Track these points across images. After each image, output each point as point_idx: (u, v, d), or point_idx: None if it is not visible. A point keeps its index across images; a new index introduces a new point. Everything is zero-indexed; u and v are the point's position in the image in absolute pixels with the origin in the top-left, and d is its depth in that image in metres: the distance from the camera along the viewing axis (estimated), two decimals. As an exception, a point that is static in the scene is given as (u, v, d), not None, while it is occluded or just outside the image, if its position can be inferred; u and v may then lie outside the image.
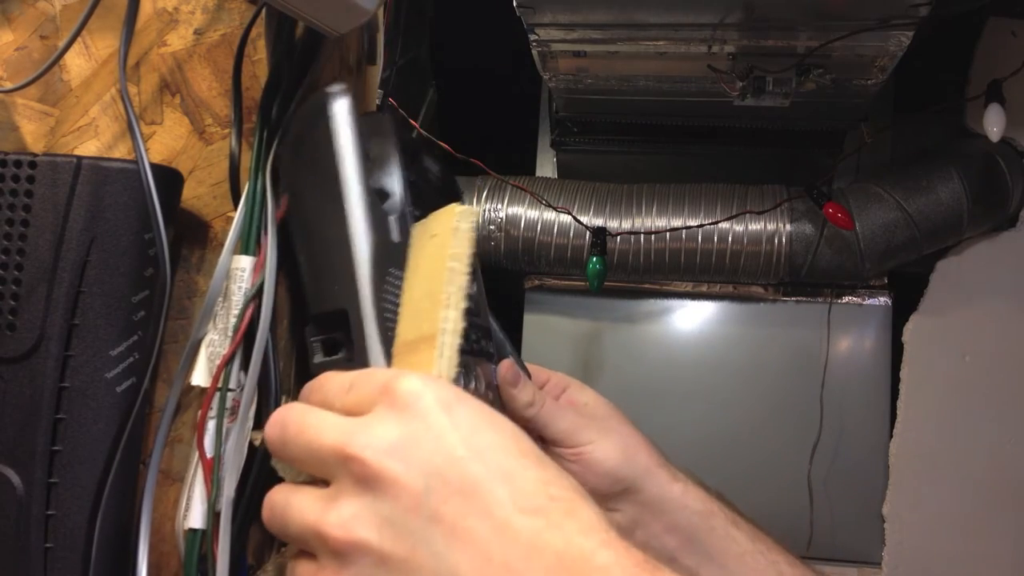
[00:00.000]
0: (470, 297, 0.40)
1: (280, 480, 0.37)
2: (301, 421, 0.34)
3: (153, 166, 0.47)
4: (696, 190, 0.89)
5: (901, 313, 0.92)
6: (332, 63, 0.56)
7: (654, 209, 0.88)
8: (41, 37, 0.55)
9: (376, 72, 0.63)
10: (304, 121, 0.46)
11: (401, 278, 0.43)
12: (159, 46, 0.54)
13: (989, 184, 0.84)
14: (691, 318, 0.96)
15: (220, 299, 0.49)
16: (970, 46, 0.88)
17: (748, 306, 0.95)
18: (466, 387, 0.40)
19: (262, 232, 0.49)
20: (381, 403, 0.33)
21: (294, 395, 0.49)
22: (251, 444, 0.49)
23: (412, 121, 0.78)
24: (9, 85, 0.53)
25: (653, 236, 0.87)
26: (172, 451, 0.50)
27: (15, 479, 0.45)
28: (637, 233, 0.88)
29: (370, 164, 0.44)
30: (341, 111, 0.44)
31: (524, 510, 0.30)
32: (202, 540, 0.47)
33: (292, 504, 0.33)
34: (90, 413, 0.46)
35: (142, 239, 0.48)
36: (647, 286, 0.96)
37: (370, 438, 0.31)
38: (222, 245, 0.49)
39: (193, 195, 0.53)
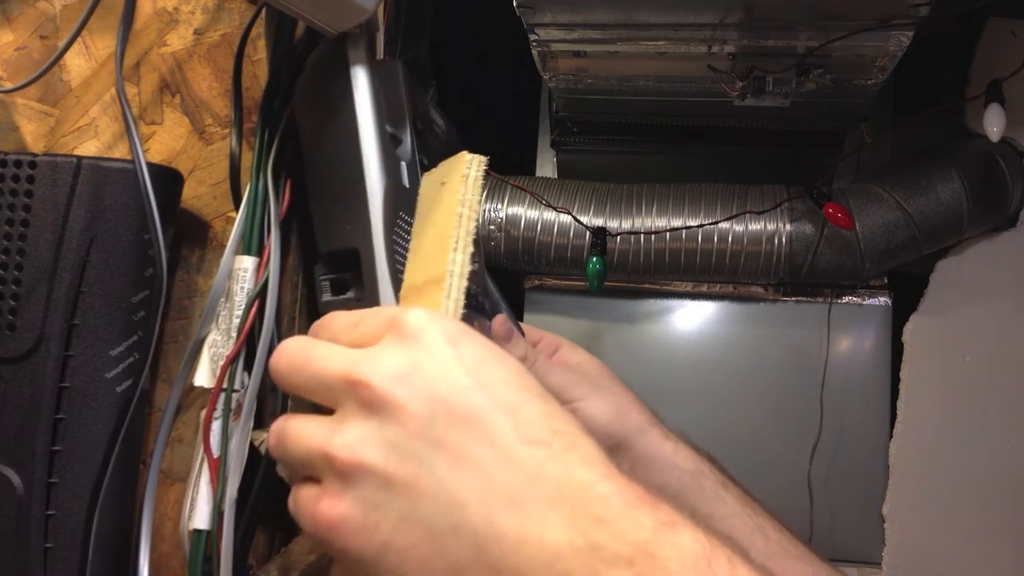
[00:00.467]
0: (475, 242, 0.40)
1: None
2: (309, 351, 0.34)
3: (152, 166, 0.47)
4: (696, 190, 0.89)
5: (901, 313, 0.92)
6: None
7: (654, 209, 0.88)
8: (41, 37, 0.55)
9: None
10: (321, 63, 0.46)
11: (410, 223, 0.43)
12: (159, 46, 0.54)
13: (989, 184, 0.84)
14: (691, 318, 0.96)
15: (222, 299, 0.49)
16: (970, 46, 0.88)
17: (748, 306, 0.95)
18: None
19: (265, 232, 0.49)
20: (388, 334, 0.33)
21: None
22: (252, 445, 0.49)
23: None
24: (9, 85, 0.53)
25: (653, 236, 0.87)
26: (172, 451, 0.50)
27: (15, 479, 0.45)
28: (637, 233, 0.88)
29: (384, 108, 0.44)
30: (358, 52, 0.44)
31: (526, 440, 0.31)
32: (207, 540, 0.47)
33: (298, 429, 0.33)
34: (90, 413, 0.46)
35: (142, 239, 0.48)
36: (647, 286, 0.95)
37: (377, 365, 0.32)
38: (222, 245, 0.49)
39: (193, 195, 0.53)
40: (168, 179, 0.50)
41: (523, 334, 0.52)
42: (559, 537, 0.28)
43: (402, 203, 0.43)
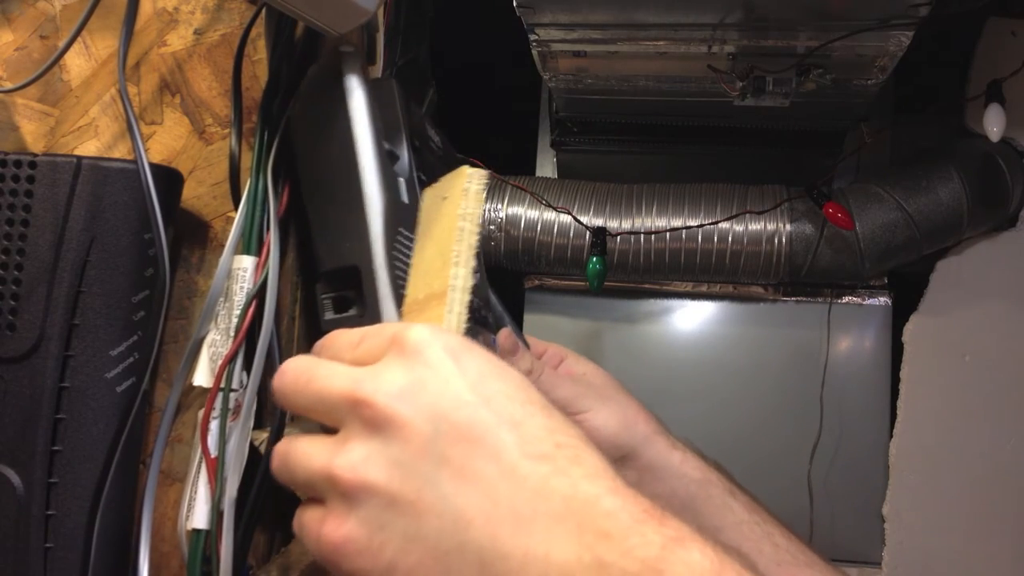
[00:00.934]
0: (476, 256, 0.40)
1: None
2: (311, 370, 0.34)
3: (153, 166, 0.47)
4: (696, 190, 0.89)
5: (901, 313, 0.92)
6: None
7: (654, 209, 0.88)
8: (41, 37, 0.55)
9: (376, 72, 0.63)
10: (317, 80, 0.46)
11: (410, 238, 0.43)
12: (159, 46, 0.54)
13: (989, 184, 0.84)
14: (691, 318, 0.96)
15: (221, 299, 0.49)
16: (970, 46, 0.88)
17: (748, 306, 0.95)
18: None
19: (264, 231, 0.49)
20: (390, 352, 0.33)
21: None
22: (252, 444, 0.49)
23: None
24: (9, 85, 0.53)
25: (653, 236, 0.87)
26: (172, 451, 0.50)
27: (15, 479, 0.45)
28: (637, 233, 0.88)
29: (380, 126, 0.44)
30: (354, 71, 0.44)
31: (530, 456, 0.30)
32: (206, 540, 0.47)
33: (301, 450, 0.33)
34: (90, 413, 0.46)
35: (142, 239, 0.48)
36: (647, 286, 0.96)
37: (379, 383, 0.32)
38: (222, 245, 0.49)
39: (193, 195, 0.53)
40: (169, 179, 0.50)
41: (528, 347, 0.52)
42: (566, 554, 0.28)
43: (401, 219, 0.43)
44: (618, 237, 0.88)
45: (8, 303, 0.46)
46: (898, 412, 0.90)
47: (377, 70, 0.62)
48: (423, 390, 0.31)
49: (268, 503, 0.48)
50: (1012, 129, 0.80)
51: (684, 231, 0.87)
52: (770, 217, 0.86)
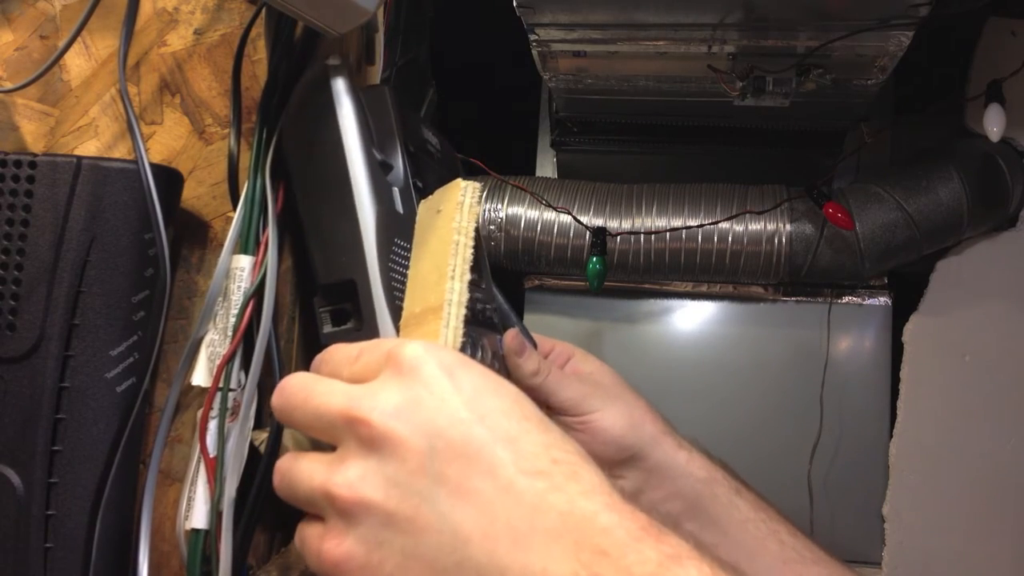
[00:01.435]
0: (475, 269, 0.40)
1: None
2: (308, 388, 0.35)
3: (153, 166, 0.47)
4: (696, 190, 0.89)
5: (901, 313, 0.92)
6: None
7: (654, 209, 0.88)
8: (41, 37, 0.55)
9: (376, 72, 0.63)
10: (305, 94, 0.46)
11: (406, 248, 0.43)
12: (159, 46, 0.54)
13: (989, 184, 0.84)
14: (691, 318, 0.96)
15: (220, 299, 0.49)
16: (970, 46, 0.88)
17: (748, 306, 0.95)
18: (472, 357, 0.41)
19: (261, 231, 0.49)
20: (386, 369, 0.33)
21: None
22: (251, 444, 0.49)
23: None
24: (9, 85, 0.53)
25: (653, 236, 0.87)
26: (172, 451, 0.50)
27: (15, 479, 0.45)
28: (637, 233, 0.88)
29: (371, 136, 0.44)
30: (341, 82, 0.44)
31: (527, 472, 0.30)
32: (205, 540, 0.47)
33: (301, 468, 0.34)
34: (90, 413, 0.46)
35: (142, 239, 0.48)
36: (647, 286, 0.95)
37: (375, 401, 0.32)
38: (222, 245, 0.49)
39: (193, 195, 0.53)
40: (169, 179, 0.50)
41: (536, 346, 0.52)
42: (563, 571, 0.28)
43: (397, 230, 0.43)
44: (618, 237, 0.88)
45: (8, 303, 0.46)
46: (898, 412, 0.90)
47: (377, 70, 0.62)
48: (419, 408, 0.32)
49: (268, 503, 0.48)
50: (1012, 129, 0.80)
51: (684, 231, 0.87)
52: (770, 217, 0.86)
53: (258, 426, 0.50)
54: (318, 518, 0.33)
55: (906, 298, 0.92)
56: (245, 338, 0.48)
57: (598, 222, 0.89)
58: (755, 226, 0.86)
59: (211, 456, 0.47)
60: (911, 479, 0.89)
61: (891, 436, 0.90)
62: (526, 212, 0.91)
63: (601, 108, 0.87)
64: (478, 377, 0.33)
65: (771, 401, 0.93)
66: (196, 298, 0.52)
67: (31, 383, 0.46)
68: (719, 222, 0.86)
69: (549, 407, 0.50)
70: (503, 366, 0.47)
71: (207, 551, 0.47)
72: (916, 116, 0.96)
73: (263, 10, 0.52)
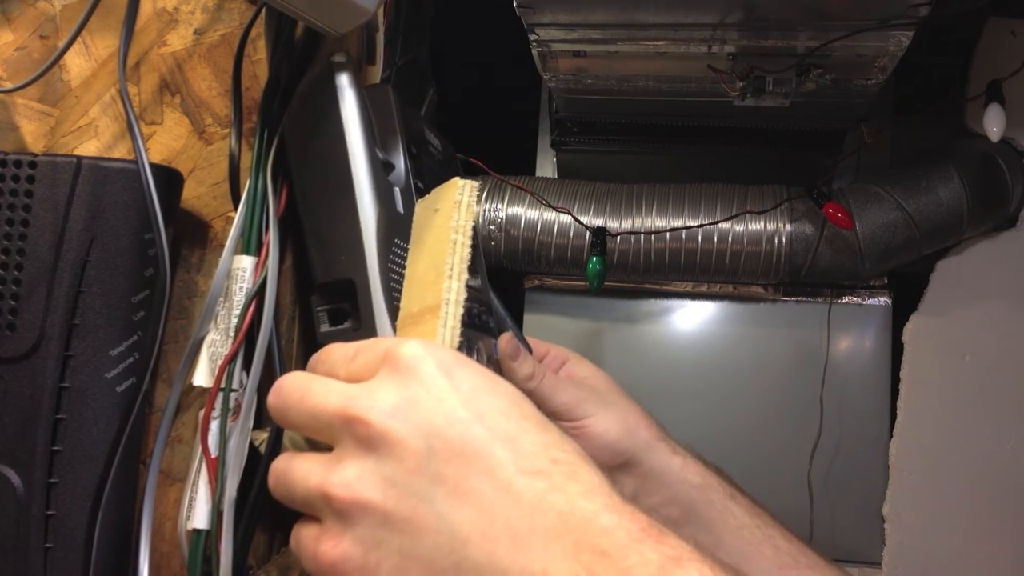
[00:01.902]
0: (471, 270, 0.40)
1: None
2: (305, 387, 0.34)
3: (153, 166, 0.47)
4: (696, 190, 0.89)
5: (901, 313, 0.92)
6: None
7: (654, 209, 0.88)
8: (41, 37, 0.55)
9: (376, 72, 0.63)
10: (309, 91, 0.46)
11: (406, 249, 0.43)
12: (159, 46, 0.54)
13: (989, 184, 0.84)
14: (691, 318, 0.96)
15: (221, 299, 0.49)
16: (970, 46, 0.88)
17: (748, 306, 0.95)
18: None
19: (263, 231, 0.49)
20: (384, 368, 0.33)
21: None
22: (251, 444, 0.49)
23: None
24: (9, 85, 0.53)
25: (653, 236, 0.87)
26: (172, 451, 0.50)
27: (15, 479, 0.45)
28: (637, 233, 0.88)
29: (374, 135, 0.44)
30: (346, 80, 0.44)
31: (526, 472, 0.30)
32: (206, 540, 0.47)
33: (297, 469, 0.33)
34: (90, 413, 0.46)
35: (142, 239, 0.48)
36: (647, 286, 0.95)
37: (373, 400, 0.32)
38: (222, 245, 0.49)
39: (193, 195, 0.53)
40: (169, 179, 0.50)
41: (530, 350, 0.52)
42: (563, 572, 0.28)
43: (397, 230, 0.43)
44: (618, 237, 0.88)
45: (8, 303, 0.46)
46: (898, 412, 0.90)
47: (377, 70, 0.62)
48: (416, 407, 0.31)
49: (268, 503, 0.48)
50: (1012, 129, 0.80)
51: (684, 231, 0.87)
52: (770, 217, 0.86)
53: (258, 426, 0.50)
54: (314, 519, 0.33)
55: (906, 298, 0.92)
56: (246, 338, 0.48)
57: (598, 222, 0.89)
58: (755, 226, 0.86)
59: (213, 456, 0.47)
60: (911, 479, 0.89)
61: (891, 436, 0.90)
62: (526, 212, 0.91)
63: (601, 108, 0.87)
64: (476, 376, 0.33)
65: (771, 401, 0.93)
66: (196, 298, 0.52)
67: (31, 383, 0.46)
68: (719, 222, 0.86)
69: (543, 412, 0.50)
70: (497, 370, 0.47)
71: (208, 551, 0.47)
72: (916, 116, 0.96)
73: (263, 10, 0.52)
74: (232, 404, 0.48)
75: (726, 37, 0.68)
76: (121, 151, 0.53)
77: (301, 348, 0.54)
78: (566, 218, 0.89)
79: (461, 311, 0.39)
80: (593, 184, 0.93)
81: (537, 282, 0.98)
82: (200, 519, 0.47)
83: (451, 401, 0.32)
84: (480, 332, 0.45)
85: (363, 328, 0.41)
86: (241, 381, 0.48)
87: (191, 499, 0.47)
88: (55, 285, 0.46)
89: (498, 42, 0.88)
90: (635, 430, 0.52)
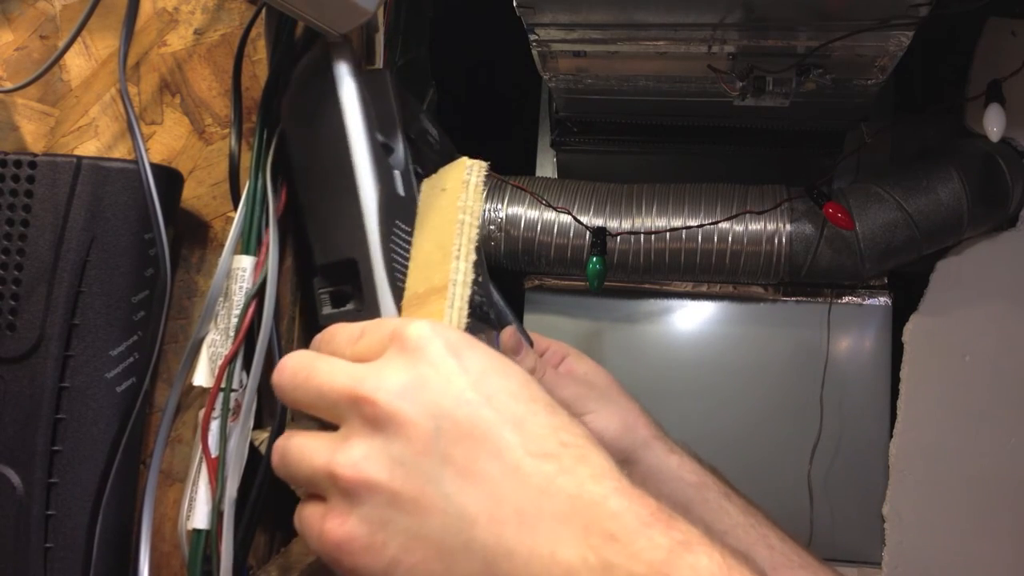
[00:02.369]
0: (478, 250, 0.39)
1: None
2: (311, 366, 0.34)
3: (153, 166, 0.47)
4: (696, 190, 0.89)
5: (901, 313, 0.92)
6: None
7: (654, 209, 0.88)
8: (41, 37, 0.55)
9: (376, 72, 0.63)
10: (307, 72, 0.46)
11: (407, 231, 0.42)
12: (159, 46, 0.54)
13: (989, 184, 0.84)
14: (691, 318, 0.96)
15: (221, 299, 0.49)
16: (970, 46, 0.88)
17: (748, 306, 0.95)
18: None
19: (263, 231, 0.49)
20: (391, 348, 0.33)
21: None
22: (251, 444, 0.49)
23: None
24: (9, 85, 0.53)
25: (653, 236, 0.87)
26: (173, 451, 0.50)
27: (15, 479, 0.45)
28: (637, 233, 0.88)
29: (373, 116, 0.44)
30: (343, 61, 0.44)
31: (535, 454, 0.30)
32: (206, 540, 0.47)
33: (303, 447, 0.33)
34: (90, 413, 0.46)
35: (142, 239, 0.48)
36: (647, 286, 0.96)
37: (381, 380, 0.31)
38: (222, 245, 0.49)
39: (193, 195, 0.53)
40: (169, 179, 0.50)
41: (532, 345, 0.52)
42: (571, 555, 0.28)
43: (398, 212, 0.42)
44: (618, 237, 0.88)
45: (8, 303, 0.46)
46: (898, 412, 0.90)
47: (377, 70, 0.62)
48: (425, 387, 0.31)
49: (268, 503, 0.48)
50: (1012, 129, 0.80)
51: (684, 231, 0.87)
52: (770, 217, 0.86)
53: (258, 426, 0.50)
54: (318, 498, 0.32)
55: (906, 298, 0.92)
56: (245, 338, 0.48)
57: (598, 222, 0.89)
58: (755, 226, 0.86)
59: (213, 456, 0.47)
60: (911, 479, 0.89)
61: (891, 436, 0.90)
62: (526, 212, 0.91)
63: (601, 108, 0.87)
64: (485, 358, 0.33)
65: (771, 401, 0.93)
66: (196, 298, 0.52)
67: (31, 383, 0.46)
68: (719, 222, 0.86)
69: None
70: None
71: (208, 551, 0.47)
72: (916, 116, 0.96)
73: (263, 10, 0.52)
74: (232, 404, 0.48)
75: (726, 37, 0.68)
76: (121, 151, 0.53)
77: (301, 346, 0.54)
78: (566, 218, 0.89)
79: (469, 292, 0.38)
80: (593, 184, 0.93)
81: (537, 282, 0.98)
82: (200, 519, 0.47)
83: (460, 382, 0.31)
84: (482, 324, 0.45)
85: (366, 309, 0.41)
86: (241, 381, 0.48)
87: (191, 499, 0.47)
88: (55, 285, 0.46)
89: (498, 42, 0.88)
90: (633, 427, 0.52)
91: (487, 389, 0.31)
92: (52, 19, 0.54)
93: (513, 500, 0.29)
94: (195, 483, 0.47)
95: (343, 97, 0.43)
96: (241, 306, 0.48)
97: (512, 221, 0.91)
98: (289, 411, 0.46)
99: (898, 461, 0.90)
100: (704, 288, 0.95)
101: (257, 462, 0.48)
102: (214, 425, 0.47)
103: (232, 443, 0.47)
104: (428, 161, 0.47)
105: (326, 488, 0.32)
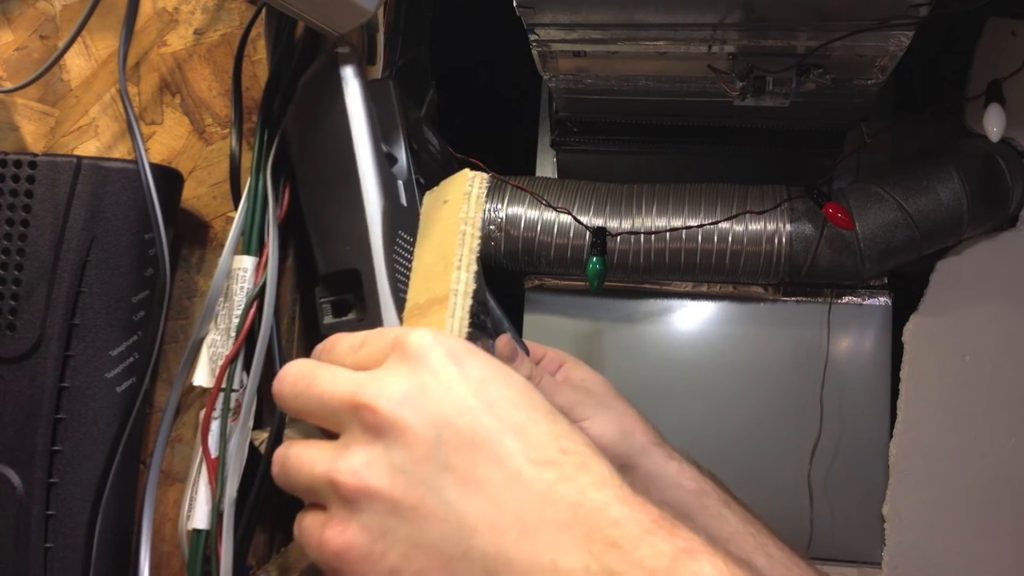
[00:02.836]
0: (477, 261, 0.40)
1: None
2: (312, 374, 0.34)
3: (153, 166, 0.47)
4: (696, 190, 0.89)
5: (901, 313, 0.92)
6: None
7: (654, 209, 0.88)
8: (41, 37, 0.55)
9: (376, 72, 0.63)
10: (312, 82, 0.46)
11: (409, 242, 0.43)
12: (159, 46, 0.54)
13: (989, 184, 0.84)
14: (691, 318, 0.96)
15: (221, 299, 0.49)
16: (970, 46, 0.88)
17: (748, 306, 0.95)
18: None
19: (264, 232, 0.49)
20: (392, 356, 0.33)
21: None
22: (251, 444, 0.49)
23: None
24: (9, 85, 0.53)
25: (653, 236, 0.87)
26: (172, 451, 0.50)
27: (15, 479, 0.45)
28: (637, 233, 0.88)
29: (378, 127, 0.44)
30: (350, 71, 0.44)
31: (536, 462, 0.30)
32: (206, 540, 0.47)
33: (302, 455, 0.33)
34: (90, 413, 0.46)
35: (142, 239, 0.48)
36: (647, 286, 0.95)
37: (381, 388, 0.31)
38: (222, 245, 0.49)
39: (193, 195, 0.53)
40: (169, 179, 0.50)
41: (527, 352, 0.52)
42: (573, 563, 0.28)
43: (401, 222, 0.43)
44: (618, 237, 0.88)
45: (8, 303, 0.46)
46: (898, 412, 0.90)
47: (377, 70, 0.62)
48: (426, 395, 0.31)
49: (268, 503, 0.48)
50: (1012, 129, 0.80)
51: (684, 231, 0.87)
52: (770, 217, 0.86)
53: (258, 426, 0.50)
54: (318, 506, 0.32)
55: (906, 298, 0.92)
56: (246, 338, 0.48)
57: (598, 222, 0.89)
58: (755, 226, 0.86)
59: (213, 456, 0.47)
60: (911, 479, 0.89)
61: (891, 436, 0.90)
62: (526, 212, 0.91)
63: (601, 108, 0.87)
64: (486, 366, 0.33)
65: (771, 401, 0.93)
66: (196, 298, 0.52)
67: (31, 383, 0.46)
68: (719, 222, 0.86)
69: None
70: None
71: (208, 551, 0.47)
72: (916, 116, 0.96)
73: (263, 10, 0.52)
74: (232, 404, 0.48)
75: (726, 37, 0.68)
76: (121, 151, 0.53)
77: (302, 348, 0.54)
78: (566, 218, 0.89)
79: (470, 302, 0.38)
80: (593, 184, 0.93)
81: (537, 282, 0.98)
82: (200, 519, 0.47)
83: (461, 390, 0.31)
84: (478, 332, 0.45)
85: (368, 318, 0.41)
86: (241, 381, 0.48)
87: (191, 499, 0.47)
88: (55, 285, 0.46)
89: (498, 42, 0.88)
90: (631, 434, 0.52)
91: (488, 397, 0.31)
92: (52, 19, 0.54)
93: (514, 508, 0.29)
94: (195, 483, 0.47)
95: (350, 107, 0.43)
96: (242, 306, 0.48)
97: (512, 221, 0.91)
98: (287, 420, 0.46)
99: (898, 461, 0.90)
100: (704, 288, 0.94)
101: (257, 462, 0.48)
102: (214, 425, 0.47)
103: (232, 443, 0.47)
104: (429, 170, 0.47)
105: (326, 496, 0.32)
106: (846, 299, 0.93)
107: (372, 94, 0.45)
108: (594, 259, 0.85)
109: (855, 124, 0.85)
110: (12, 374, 0.46)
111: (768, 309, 0.95)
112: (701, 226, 0.86)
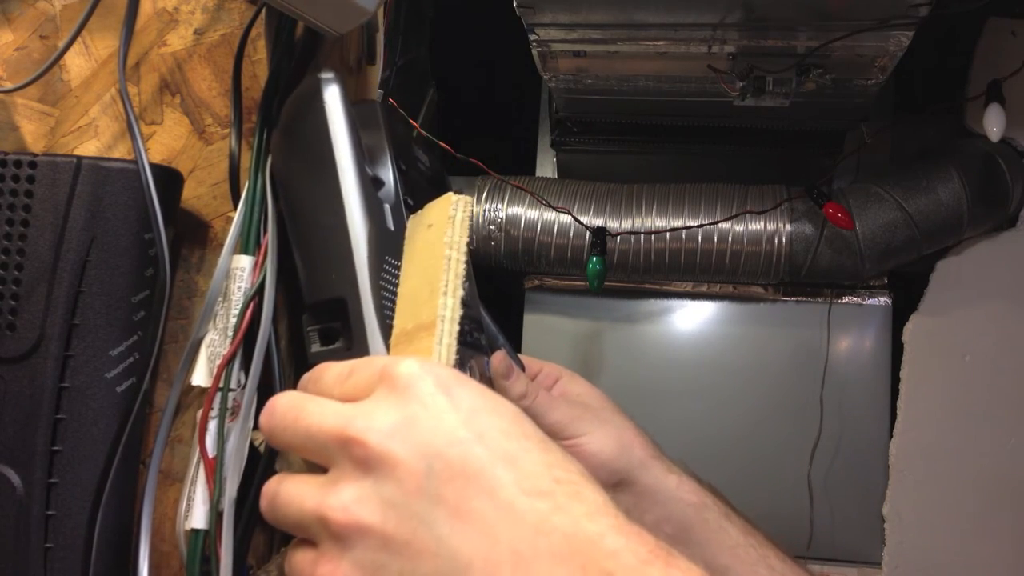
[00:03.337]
0: (464, 286, 0.39)
1: None
2: (300, 407, 0.33)
3: (153, 166, 0.47)
4: (696, 190, 0.89)
5: (901, 313, 0.92)
6: (332, 63, 0.56)
7: (654, 209, 0.88)
8: (41, 37, 0.55)
9: (376, 72, 0.63)
10: (296, 107, 0.45)
11: (397, 267, 0.42)
12: (159, 46, 0.54)
13: (989, 184, 0.84)
14: (691, 318, 0.96)
15: (220, 299, 0.49)
16: (970, 46, 0.88)
17: (748, 306, 0.95)
18: None
19: (262, 231, 0.49)
20: (380, 387, 0.32)
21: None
22: (251, 444, 0.49)
23: (412, 121, 0.78)
24: (9, 85, 0.53)
25: (653, 236, 0.87)
26: (172, 451, 0.50)
27: (15, 479, 0.45)
28: (637, 233, 0.88)
29: (363, 151, 0.44)
30: (334, 96, 0.43)
31: (529, 492, 0.29)
32: (204, 540, 0.47)
33: (291, 491, 0.32)
34: (90, 413, 0.46)
35: (142, 239, 0.48)
36: (647, 286, 0.96)
37: (370, 420, 0.31)
38: (222, 245, 0.49)
39: (193, 195, 0.53)
40: (169, 179, 0.50)
41: (523, 368, 0.51)
42: None
43: (387, 247, 0.42)
44: (618, 237, 0.88)
45: (8, 303, 0.46)
46: (898, 412, 0.90)
47: (377, 70, 0.62)
48: (415, 427, 0.30)
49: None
50: (1012, 129, 0.80)
51: (684, 231, 0.87)
52: (770, 217, 0.86)
53: (257, 426, 0.50)
54: (309, 543, 0.32)
55: (906, 298, 0.92)
56: (244, 338, 0.48)
57: (598, 222, 0.89)
58: (755, 226, 0.86)
59: (210, 456, 0.47)
60: (911, 479, 0.89)
61: (891, 436, 0.90)
62: (526, 212, 0.91)
63: (601, 108, 0.87)
64: (476, 395, 0.32)
65: (771, 401, 0.93)
66: (196, 298, 0.52)
67: (31, 383, 0.46)
68: (719, 222, 0.86)
69: None
70: (490, 388, 0.47)
71: (207, 551, 0.47)
72: (916, 116, 0.96)
73: (263, 10, 0.52)
74: (231, 404, 0.48)
75: (726, 37, 0.68)
76: (121, 151, 0.53)
77: (294, 361, 0.54)
78: (566, 218, 0.89)
79: (457, 328, 0.38)
80: (593, 184, 0.93)
81: (537, 282, 0.98)
82: (198, 519, 0.47)
83: (451, 420, 0.31)
84: (471, 350, 0.44)
85: (355, 347, 0.41)
86: (239, 381, 0.48)
87: (189, 499, 0.47)
88: (55, 285, 0.46)
89: (498, 42, 0.88)
90: (630, 448, 0.51)
91: (478, 427, 0.31)
92: (52, 19, 0.54)
93: (508, 540, 0.28)
94: (193, 483, 0.47)
95: (333, 134, 0.43)
96: (240, 306, 0.48)
97: (512, 221, 0.91)
98: (276, 453, 0.45)
99: (898, 461, 0.90)
100: (704, 288, 0.95)
101: (257, 462, 0.48)
102: (212, 425, 0.47)
103: (231, 443, 0.47)
104: (419, 188, 0.46)
105: (317, 532, 0.31)
106: (846, 299, 0.93)
107: (358, 116, 0.44)
108: (594, 259, 0.85)
109: (855, 124, 0.85)
110: (12, 374, 0.46)
111: (768, 309, 0.95)
112: (701, 226, 0.86)
